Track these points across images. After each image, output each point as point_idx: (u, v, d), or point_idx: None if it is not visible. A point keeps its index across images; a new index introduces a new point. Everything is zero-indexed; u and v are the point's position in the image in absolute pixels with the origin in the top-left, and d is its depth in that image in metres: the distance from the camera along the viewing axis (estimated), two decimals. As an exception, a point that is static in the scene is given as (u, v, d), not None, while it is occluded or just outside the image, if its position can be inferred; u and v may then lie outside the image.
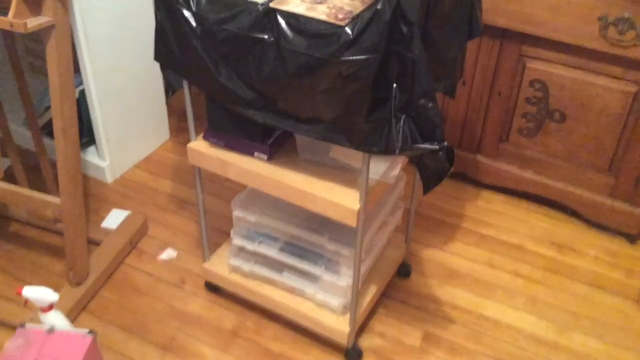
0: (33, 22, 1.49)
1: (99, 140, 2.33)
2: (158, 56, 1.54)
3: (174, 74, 1.56)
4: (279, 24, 1.29)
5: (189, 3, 1.37)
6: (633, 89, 1.96)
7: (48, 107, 2.36)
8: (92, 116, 2.27)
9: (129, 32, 2.25)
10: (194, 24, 1.38)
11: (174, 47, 1.47)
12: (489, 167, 2.37)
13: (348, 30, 1.22)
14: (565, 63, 2.04)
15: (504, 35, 2.09)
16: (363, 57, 1.23)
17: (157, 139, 2.61)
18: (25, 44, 2.42)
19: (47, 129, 2.37)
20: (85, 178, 2.42)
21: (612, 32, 1.87)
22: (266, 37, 1.31)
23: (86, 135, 2.35)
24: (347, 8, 1.28)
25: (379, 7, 1.21)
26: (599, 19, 1.88)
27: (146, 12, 2.29)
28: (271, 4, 1.30)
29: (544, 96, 2.13)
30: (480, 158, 2.37)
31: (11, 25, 1.46)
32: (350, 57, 1.24)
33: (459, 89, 1.97)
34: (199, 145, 1.66)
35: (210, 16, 1.35)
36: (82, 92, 2.22)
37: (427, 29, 1.35)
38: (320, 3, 1.30)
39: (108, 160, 2.38)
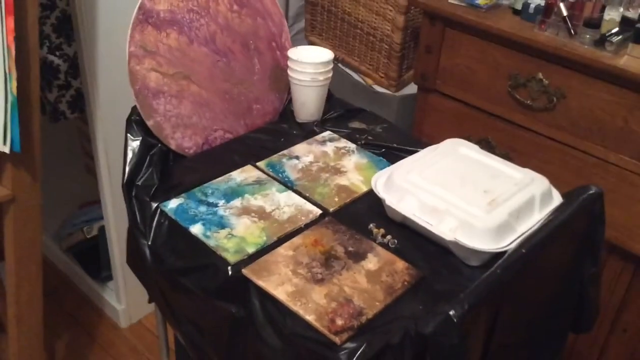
0: (-20, 198, 1.15)
1: (116, 282, 1.98)
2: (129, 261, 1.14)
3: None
4: (251, 302, 0.83)
5: (145, 230, 0.95)
6: None
7: (70, 233, 2.07)
8: (110, 255, 1.94)
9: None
10: (148, 256, 0.95)
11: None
12: (599, 421, 1.72)
13: (343, 358, 0.73)
14: None
15: (639, 263, 1.49)
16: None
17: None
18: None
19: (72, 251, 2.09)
20: (100, 315, 2.09)
21: None
22: (233, 310, 0.86)
23: (106, 269, 2.03)
24: (355, 301, 0.79)
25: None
26: None
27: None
28: (244, 270, 0.84)
29: (691, 355, 1.48)
30: (587, 405, 1.74)
31: (-53, 202, 1.13)
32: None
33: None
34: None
35: (168, 258, 0.92)
36: (102, 228, 1.90)
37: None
38: (320, 281, 0.82)
39: (124, 304, 2.02)
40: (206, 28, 1.04)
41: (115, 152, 1.75)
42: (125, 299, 2.05)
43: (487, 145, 1.59)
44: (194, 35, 1.03)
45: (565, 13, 1.37)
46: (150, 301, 1.20)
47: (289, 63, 1.11)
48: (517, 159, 1.53)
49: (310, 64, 1.09)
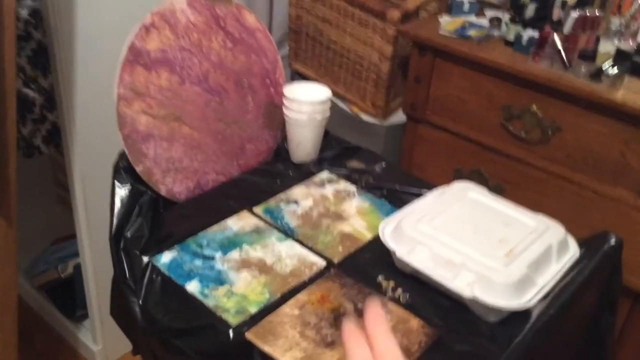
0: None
1: (92, 321, 1.88)
2: (113, 314, 1.06)
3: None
4: (255, 369, 0.77)
5: (135, 287, 0.88)
6: None
7: (43, 271, 1.97)
8: (86, 293, 1.84)
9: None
10: (138, 315, 0.88)
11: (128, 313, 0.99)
12: None
13: None
14: None
15: (637, 298, 1.46)
16: None
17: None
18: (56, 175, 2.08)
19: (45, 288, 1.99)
20: (75, 356, 1.99)
21: None
22: (236, 378, 0.79)
23: (82, 308, 1.93)
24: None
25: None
26: None
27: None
28: (248, 334, 0.78)
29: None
30: None
31: None
32: None
33: None
34: None
35: (162, 318, 0.85)
36: (77, 266, 1.81)
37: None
38: (331, 344, 0.77)
39: (100, 345, 1.92)
40: (199, 67, 0.98)
41: (92, 187, 1.67)
42: (102, 339, 1.96)
43: (479, 176, 1.55)
44: (186, 74, 0.96)
45: (559, 45, 1.35)
46: (135, 354, 1.12)
47: (285, 102, 1.05)
48: (511, 191, 1.50)
49: (307, 102, 1.03)
